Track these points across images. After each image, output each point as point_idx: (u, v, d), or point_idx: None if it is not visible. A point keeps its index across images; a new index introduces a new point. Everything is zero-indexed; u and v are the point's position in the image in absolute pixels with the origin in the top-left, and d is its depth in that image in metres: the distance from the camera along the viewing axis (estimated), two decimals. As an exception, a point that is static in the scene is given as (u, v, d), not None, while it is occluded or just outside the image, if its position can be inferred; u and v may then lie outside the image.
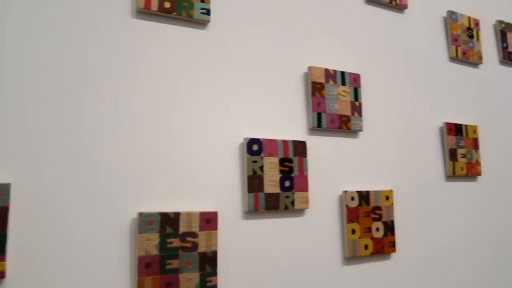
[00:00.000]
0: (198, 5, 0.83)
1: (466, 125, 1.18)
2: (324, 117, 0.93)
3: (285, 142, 0.87)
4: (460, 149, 1.15)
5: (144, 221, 0.72)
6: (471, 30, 1.26)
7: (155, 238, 0.72)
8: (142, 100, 0.76)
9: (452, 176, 1.14)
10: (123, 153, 0.73)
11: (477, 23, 1.28)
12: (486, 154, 1.23)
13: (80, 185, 0.69)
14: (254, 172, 0.83)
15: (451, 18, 1.22)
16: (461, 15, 1.25)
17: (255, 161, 0.83)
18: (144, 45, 0.78)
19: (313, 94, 0.92)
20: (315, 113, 0.92)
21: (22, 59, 0.68)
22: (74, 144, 0.69)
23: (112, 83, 0.74)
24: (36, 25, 0.69)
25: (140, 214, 0.72)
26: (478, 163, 1.19)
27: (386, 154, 1.03)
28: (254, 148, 0.83)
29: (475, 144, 1.19)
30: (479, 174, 1.18)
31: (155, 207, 0.75)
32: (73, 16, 0.73)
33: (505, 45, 1.35)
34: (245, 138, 0.83)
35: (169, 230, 0.74)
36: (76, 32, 0.73)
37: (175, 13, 0.80)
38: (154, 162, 0.75)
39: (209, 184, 0.80)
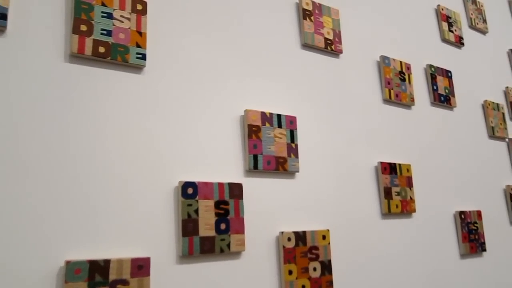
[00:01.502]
0: (133, 49, 0.84)
1: (400, 164, 1.23)
2: (260, 159, 0.94)
3: (220, 184, 0.88)
4: (395, 187, 1.20)
5: (72, 270, 0.70)
6: (403, 74, 1.34)
7: (83, 287, 0.70)
8: (75, 144, 0.75)
9: (387, 213, 1.18)
10: (50, 196, 0.71)
11: (408, 67, 1.36)
12: (420, 192, 1.29)
13: (2, 230, 0.67)
14: (189, 215, 0.83)
15: (384, 63, 1.29)
16: (394, 59, 1.32)
17: (190, 204, 0.83)
18: (78, 89, 0.78)
19: (249, 136, 0.94)
20: (252, 155, 0.94)
21: None
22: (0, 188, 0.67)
23: (45, 128, 0.73)
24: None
25: (68, 263, 0.70)
26: (412, 200, 1.24)
27: (323, 194, 1.05)
28: (189, 191, 0.84)
29: (409, 182, 1.24)
30: (414, 211, 1.23)
31: (83, 255, 0.73)
32: (5, 60, 0.72)
33: (435, 87, 1.43)
34: (180, 182, 0.83)
35: (98, 278, 0.72)
36: (9, 76, 0.71)
37: (109, 58, 0.81)
38: (84, 206, 0.74)
39: (142, 229, 0.79)
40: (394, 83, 1.30)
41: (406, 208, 1.21)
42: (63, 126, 0.75)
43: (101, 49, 0.80)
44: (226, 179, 0.91)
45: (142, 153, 0.82)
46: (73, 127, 0.76)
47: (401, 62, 1.34)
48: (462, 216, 1.36)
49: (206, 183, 0.86)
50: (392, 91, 1.29)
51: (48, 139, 0.73)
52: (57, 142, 0.74)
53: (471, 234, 1.38)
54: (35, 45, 0.75)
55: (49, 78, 0.75)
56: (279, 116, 1.00)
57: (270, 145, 0.97)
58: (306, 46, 1.13)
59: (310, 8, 1.15)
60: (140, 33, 0.85)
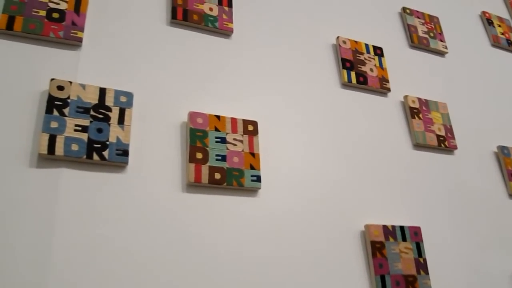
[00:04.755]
0: (248, 172, 0.81)
1: (542, 270, 1.06)
2: (388, 280, 0.84)
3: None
4: (541, 298, 1.02)
5: None
6: (526, 163, 1.20)
7: None
8: (200, 274, 0.71)
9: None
10: None
11: (530, 155, 1.22)
12: None
13: None
14: None
15: (502, 153, 1.17)
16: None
17: None
18: (195, 218, 0.75)
19: (374, 255, 0.85)
20: (378, 276, 0.84)
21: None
22: None
23: (167, 260, 0.70)
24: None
25: None
26: None
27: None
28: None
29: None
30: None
31: None
32: (127, 195, 0.71)
33: None
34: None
35: None
36: (131, 211, 0.70)
37: (225, 184, 0.78)
38: None
39: None
40: (518, 175, 1.17)
41: None
42: (184, 259, 0.71)
43: (217, 176, 0.78)
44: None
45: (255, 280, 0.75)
46: (192, 260, 0.72)
47: (520, 149, 1.21)
48: None
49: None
50: (517, 183, 1.15)
51: (172, 271, 0.69)
52: (181, 272, 0.70)
53: None
54: (153, 177, 0.75)
55: (167, 210, 0.74)
56: (402, 228, 0.90)
57: (397, 262, 0.87)
58: (418, 146, 1.05)
59: (416, 105, 1.09)
60: (253, 154, 0.82)
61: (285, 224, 0.81)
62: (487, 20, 1.44)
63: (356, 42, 1.08)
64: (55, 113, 0.71)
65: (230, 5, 0.96)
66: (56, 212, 0.67)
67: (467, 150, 1.13)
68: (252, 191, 0.81)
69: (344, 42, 1.06)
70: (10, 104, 0.71)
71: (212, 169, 0.78)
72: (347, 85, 1.03)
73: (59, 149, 0.69)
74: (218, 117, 0.82)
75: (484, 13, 1.45)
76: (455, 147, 1.10)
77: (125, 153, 0.73)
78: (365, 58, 1.07)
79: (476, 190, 1.09)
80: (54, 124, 0.70)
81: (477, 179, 1.10)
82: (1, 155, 0.67)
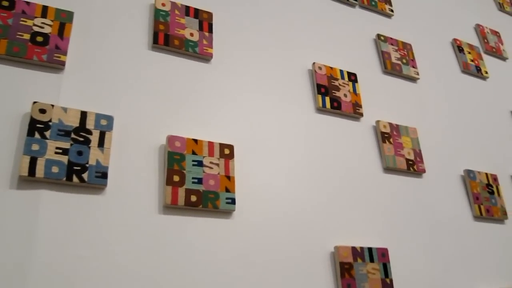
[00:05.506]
0: (223, 195, 0.84)
1: (503, 289, 1.12)
2: (355, 300, 0.88)
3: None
4: (501, 317, 1.08)
5: None
6: (491, 186, 1.26)
7: None
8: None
9: None
10: None
11: (495, 178, 1.28)
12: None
13: None
14: None
15: (469, 177, 1.23)
16: (479, 172, 1.26)
17: None
18: (170, 239, 0.77)
19: (342, 275, 0.89)
20: None
21: (50, 271, 0.67)
22: None
23: (140, 276, 0.72)
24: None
25: None
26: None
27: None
28: None
29: None
30: None
31: None
32: (105, 216, 0.74)
33: (526, 197, 1.33)
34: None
35: None
36: (109, 232, 0.73)
37: (201, 206, 0.81)
38: None
39: None
40: (483, 197, 1.22)
41: None
42: (161, 279, 0.74)
43: (193, 198, 0.81)
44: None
45: (235, 304, 0.78)
46: (169, 280, 0.74)
47: (486, 174, 1.27)
48: None
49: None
50: (482, 206, 1.21)
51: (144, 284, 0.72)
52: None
53: None
54: (131, 199, 0.77)
55: (144, 231, 0.76)
56: (370, 250, 0.94)
57: (364, 282, 0.91)
58: (388, 169, 1.10)
59: (388, 130, 1.14)
60: (228, 178, 0.86)
61: (258, 245, 0.85)
62: (458, 47, 1.51)
63: (331, 68, 1.13)
64: (37, 135, 0.73)
65: (210, 30, 1.00)
66: (36, 232, 0.69)
67: (435, 174, 1.19)
68: (227, 213, 0.84)
69: (320, 68, 1.11)
70: (-8, 125, 0.73)
71: (189, 192, 0.81)
72: (321, 110, 1.07)
73: (40, 171, 0.71)
74: (195, 140, 0.85)
75: (455, 40, 1.52)
76: (424, 171, 1.15)
77: (104, 175, 0.75)
78: (339, 84, 1.12)
79: (443, 212, 1.14)
80: (35, 147, 0.72)
81: (444, 202, 1.16)
82: (-19, 175, 0.69)
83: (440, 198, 1.16)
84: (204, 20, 1.00)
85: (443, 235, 1.10)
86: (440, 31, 1.52)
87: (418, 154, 1.16)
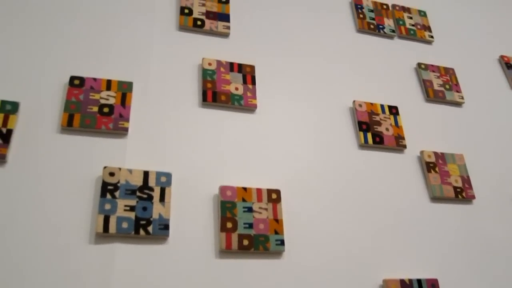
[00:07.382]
0: (273, 237, 0.92)
1: None
2: (406, 332, 0.92)
3: None
4: None
5: None
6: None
7: None
8: None
9: None
10: None
11: (553, 199, 1.26)
12: None
13: None
14: None
15: (523, 199, 1.22)
16: (534, 193, 1.24)
17: None
18: (226, 282, 0.86)
19: None
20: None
21: None
22: None
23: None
24: (136, 283, 0.80)
25: None
26: None
27: None
28: None
29: None
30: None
31: None
32: (169, 264, 0.84)
33: None
34: None
35: None
36: (171, 276, 0.83)
37: (253, 249, 0.89)
38: None
39: None
40: (540, 219, 1.21)
41: None
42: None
43: (245, 242, 0.89)
44: None
45: None
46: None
47: (543, 194, 1.25)
48: None
49: None
50: (539, 229, 1.19)
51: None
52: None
53: None
54: (190, 246, 0.87)
55: (203, 274, 0.85)
56: (419, 281, 0.98)
57: (414, 314, 0.94)
58: (435, 198, 1.12)
59: (432, 159, 1.16)
60: (277, 221, 0.93)
61: (308, 283, 0.91)
62: (506, 64, 1.50)
63: (371, 104, 1.18)
64: (108, 196, 0.85)
65: (253, 82, 1.09)
66: (112, 281, 0.80)
67: (486, 199, 1.19)
68: (277, 254, 0.92)
69: (360, 106, 1.16)
70: (70, 189, 0.86)
71: (241, 236, 0.89)
72: (364, 146, 1.12)
73: (112, 228, 0.82)
74: (245, 188, 0.94)
75: (502, 57, 1.51)
76: (473, 197, 1.16)
77: (166, 227, 0.86)
78: (380, 119, 1.17)
79: (495, 239, 1.14)
80: (107, 206, 0.84)
81: (496, 228, 1.16)
82: (64, 233, 0.82)
83: (492, 223, 1.16)
84: (248, 74, 1.09)
85: (495, 263, 1.11)
86: (485, 50, 1.52)
87: (466, 180, 1.18)
